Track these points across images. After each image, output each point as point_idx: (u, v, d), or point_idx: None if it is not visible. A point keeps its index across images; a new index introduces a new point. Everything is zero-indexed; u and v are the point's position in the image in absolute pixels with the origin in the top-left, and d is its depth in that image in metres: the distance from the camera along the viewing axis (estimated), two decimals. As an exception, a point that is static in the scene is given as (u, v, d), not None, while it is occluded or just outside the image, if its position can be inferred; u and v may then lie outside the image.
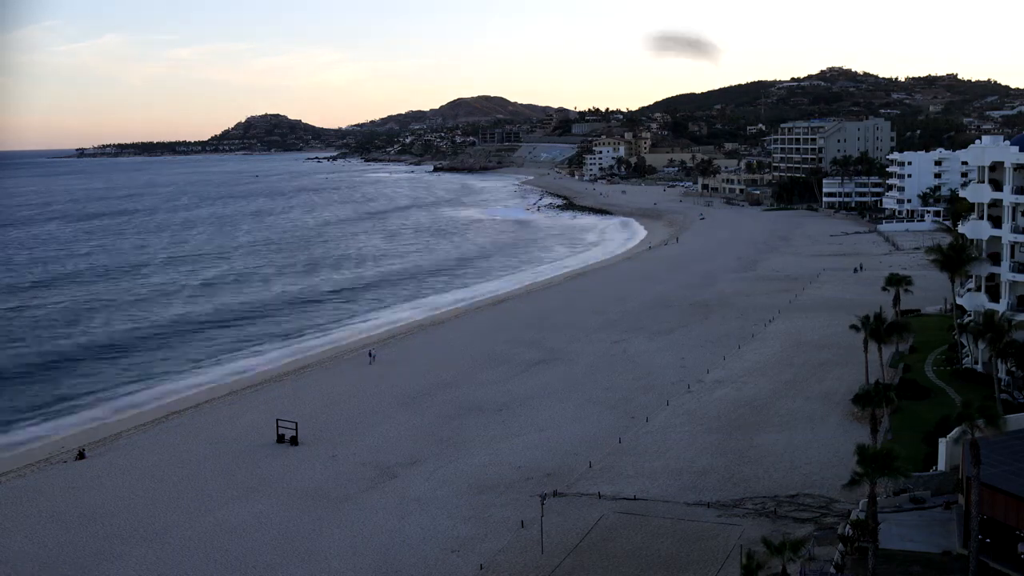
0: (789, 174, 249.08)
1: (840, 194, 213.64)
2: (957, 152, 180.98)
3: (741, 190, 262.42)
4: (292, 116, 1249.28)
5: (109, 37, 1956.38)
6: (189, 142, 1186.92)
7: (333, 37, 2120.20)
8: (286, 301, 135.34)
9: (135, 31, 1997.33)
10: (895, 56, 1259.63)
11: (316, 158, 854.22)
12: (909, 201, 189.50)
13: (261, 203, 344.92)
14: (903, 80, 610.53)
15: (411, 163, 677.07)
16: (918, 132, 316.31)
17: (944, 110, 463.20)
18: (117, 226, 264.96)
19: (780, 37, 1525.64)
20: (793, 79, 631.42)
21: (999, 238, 69.43)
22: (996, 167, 69.94)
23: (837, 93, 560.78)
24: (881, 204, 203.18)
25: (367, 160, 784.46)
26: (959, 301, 74.92)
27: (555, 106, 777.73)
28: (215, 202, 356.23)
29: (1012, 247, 68.26)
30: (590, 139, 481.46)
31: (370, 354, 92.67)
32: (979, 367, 68.88)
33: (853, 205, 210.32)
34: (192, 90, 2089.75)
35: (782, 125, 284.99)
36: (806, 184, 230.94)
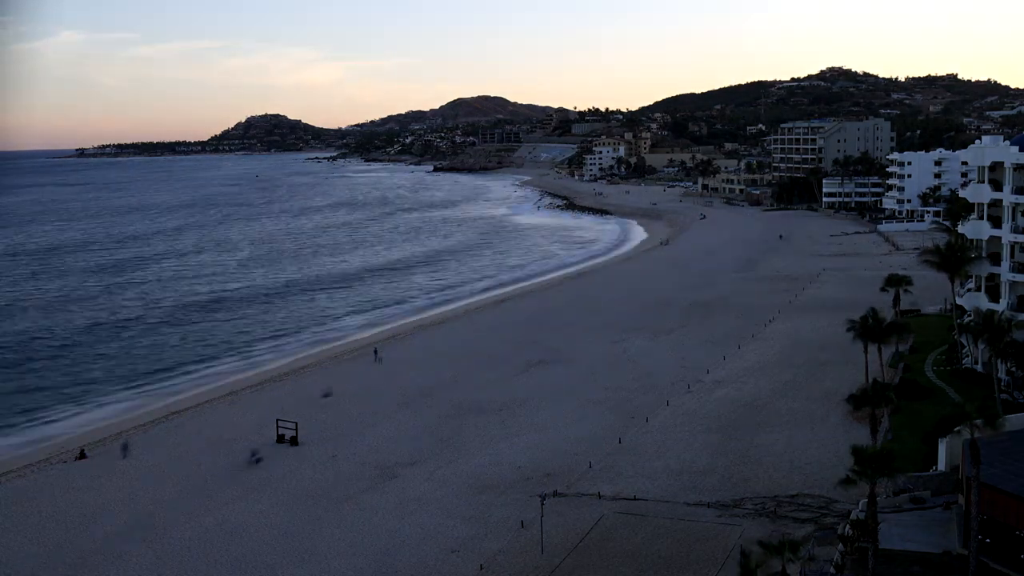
0: (789, 174, 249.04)
1: (840, 194, 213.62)
2: (957, 152, 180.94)
3: (741, 190, 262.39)
4: (292, 116, 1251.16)
5: (67, 35, 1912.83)
6: (189, 142, 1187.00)
7: (332, 37, 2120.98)
8: (286, 300, 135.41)
9: (95, 29, 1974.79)
10: (895, 56, 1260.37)
11: (316, 158, 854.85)
12: (909, 201, 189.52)
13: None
14: (903, 80, 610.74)
15: (411, 163, 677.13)
16: (918, 132, 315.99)
17: (944, 110, 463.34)
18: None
19: (780, 37, 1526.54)
20: (793, 79, 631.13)
21: (999, 238, 69.43)
22: (996, 167, 69.93)
23: (837, 93, 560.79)
24: (881, 204, 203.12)
25: (367, 160, 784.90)
26: (959, 301, 74.93)
27: (555, 106, 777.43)
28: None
29: (1012, 247, 68.26)
30: (590, 139, 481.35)
31: (375, 352, 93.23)
32: (979, 367, 68.88)
33: (853, 205, 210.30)
34: (191, 90, 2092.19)
35: (782, 125, 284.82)
36: (806, 184, 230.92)
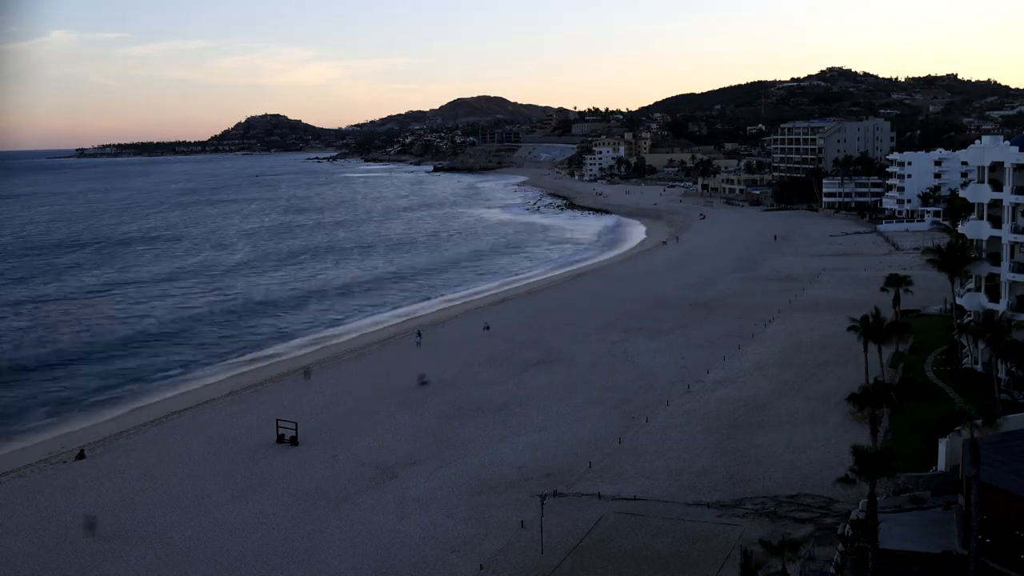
0: (789, 174, 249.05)
1: (840, 194, 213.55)
2: (957, 152, 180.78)
3: (741, 190, 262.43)
4: (292, 116, 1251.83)
5: (58, 35, 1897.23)
6: (189, 142, 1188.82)
7: (332, 37, 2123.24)
8: (286, 298, 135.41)
9: (86, 28, 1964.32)
10: (895, 56, 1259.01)
11: (316, 158, 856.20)
12: (909, 201, 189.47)
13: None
14: (903, 80, 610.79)
15: (411, 163, 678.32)
16: (918, 132, 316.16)
17: (944, 110, 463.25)
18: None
19: (780, 37, 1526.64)
20: (793, 79, 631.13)
21: (999, 238, 69.41)
22: (996, 167, 69.91)
23: (837, 93, 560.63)
24: (881, 204, 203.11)
25: (367, 160, 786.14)
26: (959, 301, 74.92)
27: (555, 106, 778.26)
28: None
29: (1012, 247, 68.23)
30: (590, 139, 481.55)
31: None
32: (979, 367, 68.86)
33: (853, 205, 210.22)
34: (189, 90, 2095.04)
35: (782, 125, 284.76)
36: (806, 184, 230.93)
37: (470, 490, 55.75)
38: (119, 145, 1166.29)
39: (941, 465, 47.58)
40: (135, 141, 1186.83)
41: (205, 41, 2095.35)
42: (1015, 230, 67.72)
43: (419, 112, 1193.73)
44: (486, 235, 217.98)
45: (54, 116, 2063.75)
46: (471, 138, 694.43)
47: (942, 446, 47.83)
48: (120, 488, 58.68)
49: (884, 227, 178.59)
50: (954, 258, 73.38)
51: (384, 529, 50.79)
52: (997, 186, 69.65)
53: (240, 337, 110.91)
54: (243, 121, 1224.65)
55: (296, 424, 66.90)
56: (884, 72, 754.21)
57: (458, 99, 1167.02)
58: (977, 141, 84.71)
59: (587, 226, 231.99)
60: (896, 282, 78.67)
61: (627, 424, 66.71)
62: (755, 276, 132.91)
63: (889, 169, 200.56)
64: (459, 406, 73.56)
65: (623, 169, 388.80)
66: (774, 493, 52.03)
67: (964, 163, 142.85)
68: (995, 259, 70.17)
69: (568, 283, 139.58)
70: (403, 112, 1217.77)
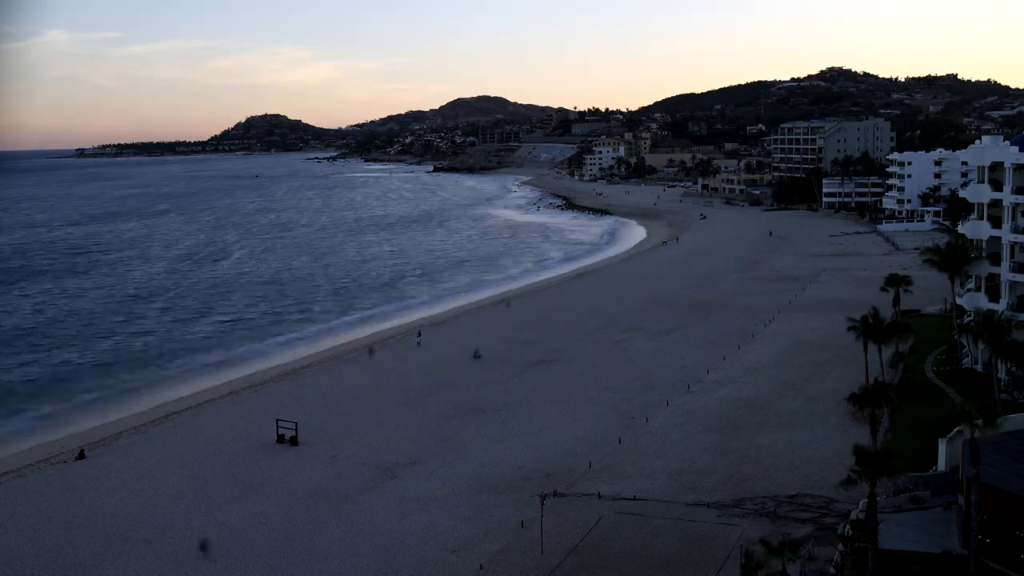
0: (789, 174, 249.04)
1: (840, 194, 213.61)
2: (957, 152, 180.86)
3: (741, 190, 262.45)
4: (292, 116, 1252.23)
5: (53, 34, 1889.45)
6: (189, 142, 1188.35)
7: (331, 37, 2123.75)
8: (285, 297, 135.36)
9: (80, 28, 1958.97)
10: (895, 56, 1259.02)
11: (316, 158, 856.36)
12: (909, 201, 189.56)
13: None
14: (903, 80, 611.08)
15: (411, 163, 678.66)
16: (918, 132, 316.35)
17: (944, 110, 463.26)
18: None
19: (780, 37, 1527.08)
20: (793, 79, 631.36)
21: (999, 238, 69.43)
22: (996, 167, 69.93)
23: (837, 93, 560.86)
24: (881, 204, 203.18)
25: (367, 160, 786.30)
26: (959, 301, 74.94)
27: (555, 106, 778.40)
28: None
29: (1012, 247, 68.26)
30: (590, 139, 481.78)
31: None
32: (979, 367, 68.86)
33: (853, 205, 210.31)
34: (188, 90, 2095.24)
35: (782, 125, 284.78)
36: (806, 184, 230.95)
37: (470, 490, 55.76)
38: (119, 145, 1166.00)
39: (941, 465, 47.57)
40: (135, 141, 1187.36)
41: (203, 41, 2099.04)
42: (1015, 230, 67.74)
43: (419, 112, 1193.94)
44: (485, 236, 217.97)
45: (54, 116, 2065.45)
46: (471, 138, 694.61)
47: (942, 446, 47.81)
48: (120, 488, 58.68)
49: (884, 227, 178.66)
50: (954, 258, 73.42)
51: (384, 529, 50.79)
52: (997, 186, 69.67)
53: (240, 337, 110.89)
54: (243, 121, 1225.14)
55: (296, 424, 66.90)
56: (884, 72, 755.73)
57: (458, 99, 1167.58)
58: (977, 141, 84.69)
59: (587, 226, 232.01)
60: (896, 282, 78.70)
61: (627, 424, 66.72)
62: (755, 276, 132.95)
63: (889, 169, 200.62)
64: (459, 406, 73.57)
65: (623, 169, 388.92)
66: (774, 493, 52.03)
67: (964, 163, 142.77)
68: (995, 259, 70.20)
69: (568, 283, 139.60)
70: (403, 112, 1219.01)
